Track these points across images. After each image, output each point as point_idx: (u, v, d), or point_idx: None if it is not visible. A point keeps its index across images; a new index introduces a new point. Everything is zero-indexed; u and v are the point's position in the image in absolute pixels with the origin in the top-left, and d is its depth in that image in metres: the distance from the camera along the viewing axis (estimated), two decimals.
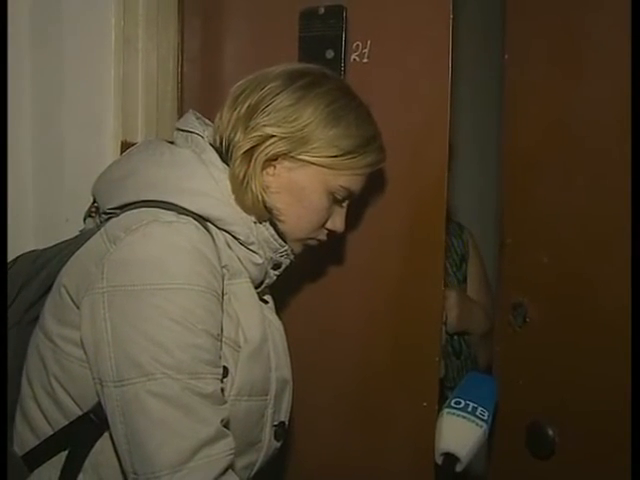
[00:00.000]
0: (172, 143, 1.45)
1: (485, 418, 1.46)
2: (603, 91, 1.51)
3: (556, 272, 1.58)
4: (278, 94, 1.38)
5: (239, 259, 1.40)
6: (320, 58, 1.71)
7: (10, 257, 1.47)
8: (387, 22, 1.65)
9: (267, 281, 1.49)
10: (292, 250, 1.47)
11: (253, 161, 1.36)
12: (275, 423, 1.43)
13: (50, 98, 1.83)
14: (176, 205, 1.31)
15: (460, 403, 1.48)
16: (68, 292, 1.29)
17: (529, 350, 1.62)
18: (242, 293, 1.39)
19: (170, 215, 1.29)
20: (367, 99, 1.66)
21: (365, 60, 1.67)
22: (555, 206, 1.59)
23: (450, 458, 1.41)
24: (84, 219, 1.50)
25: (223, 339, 1.32)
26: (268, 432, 1.43)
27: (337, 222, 1.50)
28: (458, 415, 1.46)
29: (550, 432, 1.59)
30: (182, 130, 1.45)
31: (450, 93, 1.59)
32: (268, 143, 1.36)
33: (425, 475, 1.63)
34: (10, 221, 1.58)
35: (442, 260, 1.65)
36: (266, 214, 1.40)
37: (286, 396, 1.46)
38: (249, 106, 1.39)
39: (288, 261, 1.49)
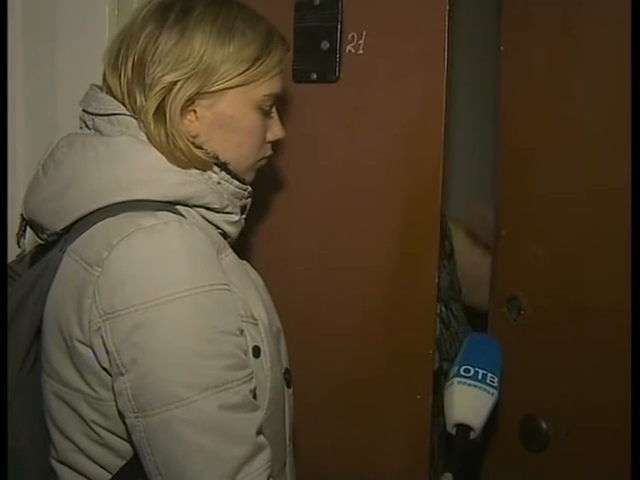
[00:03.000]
0: (94, 131, 1.32)
1: (495, 385, 1.43)
2: (599, 83, 1.51)
3: (550, 265, 1.58)
4: (157, 38, 1.27)
5: (217, 226, 1.33)
6: (315, 49, 1.70)
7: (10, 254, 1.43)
8: (383, 13, 1.65)
9: (240, 230, 1.42)
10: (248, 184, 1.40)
11: (168, 116, 1.26)
12: (282, 371, 1.38)
13: (43, 93, 1.80)
14: (141, 200, 1.22)
15: (469, 371, 1.43)
16: (74, 338, 1.19)
17: (523, 343, 1.62)
18: (231, 265, 1.30)
19: (148, 217, 1.19)
20: (362, 91, 1.67)
21: (360, 52, 1.66)
22: (550, 198, 1.59)
23: (463, 428, 1.40)
24: (18, 242, 1.38)
25: (244, 319, 1.26)
26: (282, 383, 1.37)
27: (276, 130, 1.42)
28: (469, 385, 1.42)
29: (544, 425, 1.59)
30: (100, 115, 1.30)
31: (446, 85, 1.59)
32: (175, 91, 1.25)
33: (420, 468, 1.63)
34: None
35: (436, 254, 1.65)
36: (209, 161, 1.30)
37: (282, 343, 1.40)
38: (133, 65, 1.27)
39: (250, 199, 1.43)
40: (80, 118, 1.36)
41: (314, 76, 1.72)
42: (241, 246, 1.75)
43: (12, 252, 1.45)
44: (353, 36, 1.67)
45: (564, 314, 1.57)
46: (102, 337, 1.16)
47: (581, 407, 1.54)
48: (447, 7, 1.57)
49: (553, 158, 1.58)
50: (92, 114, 1.32)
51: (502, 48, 1.63)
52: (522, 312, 1.61)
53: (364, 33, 1.66)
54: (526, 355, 1.62)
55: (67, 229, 1.26)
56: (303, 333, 1.76)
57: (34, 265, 1.32)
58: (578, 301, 1.55)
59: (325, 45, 1.70)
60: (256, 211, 1.80)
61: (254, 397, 1.24)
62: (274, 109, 1.41)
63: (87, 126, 1.34)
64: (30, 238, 1.38)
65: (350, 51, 1.68)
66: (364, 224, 1.72)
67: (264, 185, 1.80)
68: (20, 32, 1.80)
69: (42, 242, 1.34)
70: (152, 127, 1.26)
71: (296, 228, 1.81)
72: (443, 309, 2.05)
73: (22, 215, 1.35)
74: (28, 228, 1.36)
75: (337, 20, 1.68)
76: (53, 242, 1.30)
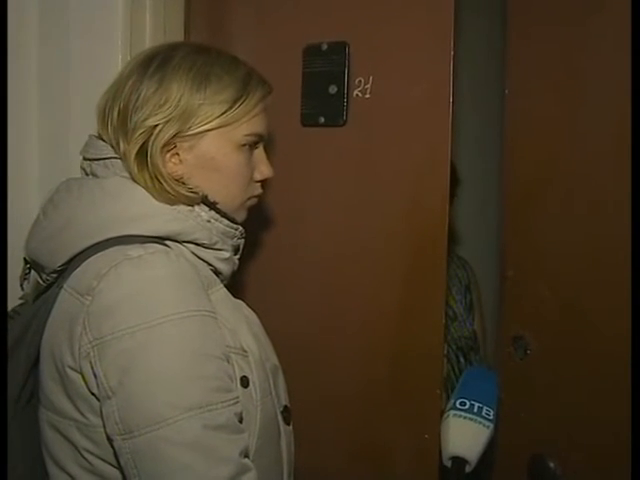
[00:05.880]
0: (91, 175, 1.39)
1: (491, 417, 1.43)
2: (602, 124, 1.53)
3: (557, 304, 1.59)
4: (139, 87, 1.34)
5: (208, 263, 1.37)
6: (323, 93, 1.73)
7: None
8: (389, 58, 1.67)
9: (234, 269, 1.46)
10: (240, 223, 1.44)
11: (150, 159, 1.32)
12: (280, 409, 1.40)
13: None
14: (132, 236, 1.28)
15: (465, 404, 1.44)
16: (66, 365, 1.25)
17: (530, 382, 1.62)
18: (221, 300, 1.34)
19: (136, 249, 1.24)
20: (369, 134, 1.70)
21: (367, 95, 1.69)
22: (556, 239, 1.60)
23: (459, 461, 1.39)
24: (21, 285, 1.44)
25: (232, 350, 1.29)
26: (280, 420, 1.40)
27: (263, 169, 1.45)
28: (465, 417, 1.43)
29: (552, 465, 1.59)
30: (96, 159, 1.38)
31: (452, 127, 1.61)
32: (155, 134, 1.32)
33: None
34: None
35: (444, 292, 1.66)
36: (195, 197, 1.35)
37: (280, 380, 1.43)
38: (119, 112, 1.35)
39: (243, 240, 1.46)
40: (80, 166, 1.43)
41: (322, 120, 1.75)
42: (244, 286, 1.77)
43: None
44: (360, 80, 1.70)
45: (571, 353, 1.57)
46: (91, 362, 1.21)
47: (589, 446, 1.54)
48: (452, 52, 1.59)
49: (558, 199, 1.59)
50: (90, 160, 1.39)
51: (507, 91, 1.65)
52: (528, 351, 1.61)
53: (371, 78, 1.69)
54: (533, 394, 1.62)
55: (64, 266, 1.31)
56: (309, 372, 1.77)
57: (34, 303, 1.38)
58: (585, 340, 1.55)
59: (333, 89, 1.72)
60: (262, 252, 1.83)
61: (240, 421, 1.26)
62: (261, 148, 1.45)
63: (86, 172, 1.41)
64: (33, 282, 1.42)
65: (357, 95, 1.71)
66: (370, 264, 1.73)
67: (271, 226, 1.82)
68: (35, 78, 1.84)
69: (44, 283, 1.38)
70: (136, 170, 1.32)
71: (301, 269, 1.83)
72: (462, 359, 2.06)
73: (25, 259, 1.41)
74: (32, 271, 1.42)
75: (344, 65, 1.71)
76: (53, 281, 1.35)
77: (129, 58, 1.76)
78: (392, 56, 1.68)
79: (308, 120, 1.78)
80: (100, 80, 1.74)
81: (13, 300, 1.51)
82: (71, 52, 1.81)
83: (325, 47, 1.74)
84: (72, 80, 1.81)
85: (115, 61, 1.76)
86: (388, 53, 1.68)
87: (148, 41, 1.81)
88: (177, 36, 1.87)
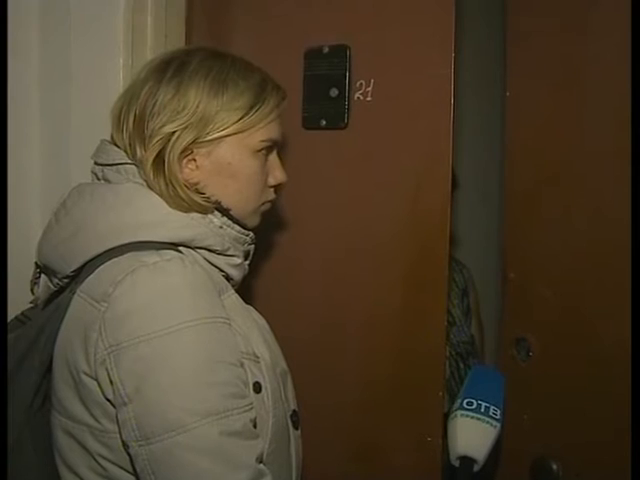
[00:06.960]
0: (103, 180, 1.38)
1: (498, 417, 1.43)
2: (603, 128, 1.53)
3: (559, 306, 1.59)
4: (156, 93, 1.33)
5: (220, 269, 1.37)
6: (324, 96, 1.73)
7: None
8: (390, 61, 1.68)
9: (244, 274, 1.46)
10: (252, 228, 1.43)
11: (167, 165, 1.31)
12: (290, 414, 1.40)
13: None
14: (145, 242, 1.27)
15: (472, 404, 1.44)
16: (81, 371, 1.24)
17: (533, 384, 1.62)
18: (233, 306, 1.34)
19: (151, 255, 1.24)
20: (370, 137, 1.70)
21: (369, 98, 1.69)
22: (557, 241, 1.60)
23: (467, 460, 1.40)
24: (31, 289, 1.43)
25: (245, 356, 1.29)
26: (289, 425, 1.40)
27: (277, 174, 1.45)
28: (472, 417, 1.42)
29: (554, 466, 1.59)
30: (108, 165, 1.37)
31: (453, 129, 1.61)
32: (172, 141, 1.31)
33: None
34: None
35: (445, 294, 1.65)
36: (209, 205, 1.35)
37: (289, 385, 1.43)
38: (135, 118, 1.34)
39: (253, 246, 1.47)
40: (91, 171, 1.42)
41: (323, 123, 1.75)
42: (247, 291, 1.77)
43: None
44: (361, 83, 1.70)
45: (573, 355, 1.57)
46: (107, 369, 1.20)
47: (591, 447, 1.54)
48: (452, 54, 1.59)
49: (559, 200, 1.59)
50: (102, 165, 1.38)
51: (508, 93, 1.66)
52: (531, 354, 1.61)
53: (372, 81, 1.69)
54: (535, 396, 1.62)
55: (77, 272, 1.31)
56: (312, 376, 1.76)
57: (46, 308, 1.38)
58: (587, 342, 1.55)
59: (334, 92, 1.73)
60: (264, 256, 1.83)
61: (254, 427, 1.26)
62: (275, 154, 1.45)
63: (97, 177, 1.40)
64: (43, 285, 1.41)
65: (359, 98, 1.71)
66: (371, 267, 1.73)
67: (272, 230, 1.82)
68: (36, 81, 1.84)
69: (55, 287, 1.37)
70: (152, 176, 1.32)
71: (302, 272, 1.83)
72: (461, 365, 2.05)
73: (36, 262, 1.40)
74: (42, 276, 1.41)
75: (345, 68, 1.71)
76: (64, 286, 1.35)
77: (130, 61, 1.76)
78: (393, 59, 1.68)
79: (310, 123, 1.78)
80: (101, 83, 1.76)
81: (12, 302, 1.51)
82: (72, 54, 1.80)
83: (326, 50, 1.74)
84: (73, 82, 1.80)
85: (116, 63, 1.76)
86: (389, 56, 1.68)
87: (149, 43, 1.80)
88: (178, 39, 1.87)
